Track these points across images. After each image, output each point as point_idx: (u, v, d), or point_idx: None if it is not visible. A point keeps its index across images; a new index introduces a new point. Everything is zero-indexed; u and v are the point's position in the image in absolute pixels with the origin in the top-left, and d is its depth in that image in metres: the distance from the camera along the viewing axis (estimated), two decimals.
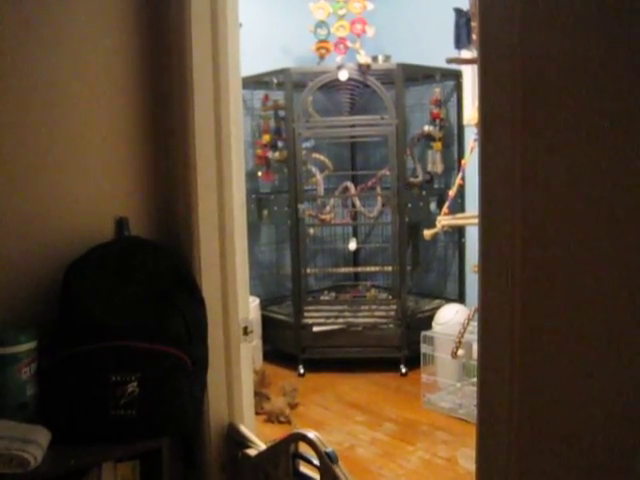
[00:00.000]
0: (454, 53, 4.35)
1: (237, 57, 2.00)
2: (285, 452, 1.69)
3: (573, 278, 0.97)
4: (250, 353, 2.09)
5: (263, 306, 4.63)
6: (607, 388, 0.94)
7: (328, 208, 4.65)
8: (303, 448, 1.70)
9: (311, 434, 1.61)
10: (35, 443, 1.52)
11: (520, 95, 1.00)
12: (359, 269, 5.09)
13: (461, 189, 4.27)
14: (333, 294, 4.95)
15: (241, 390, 1.99)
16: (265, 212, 4.74)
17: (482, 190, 1.09)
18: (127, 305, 1.70)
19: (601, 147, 0.92)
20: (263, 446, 1.83)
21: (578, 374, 0.97)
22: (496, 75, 1.04)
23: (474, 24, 3.49)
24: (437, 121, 4.61)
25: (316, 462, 1.62)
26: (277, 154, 4.57)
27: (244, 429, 1.93)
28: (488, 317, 1.11)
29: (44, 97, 1.79)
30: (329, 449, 1.56)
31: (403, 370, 4.32)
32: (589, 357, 0.96)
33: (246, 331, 2.00)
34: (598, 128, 0.92)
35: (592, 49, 0.92)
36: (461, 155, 4.57)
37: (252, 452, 1.83)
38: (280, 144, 4.59)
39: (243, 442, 1.88)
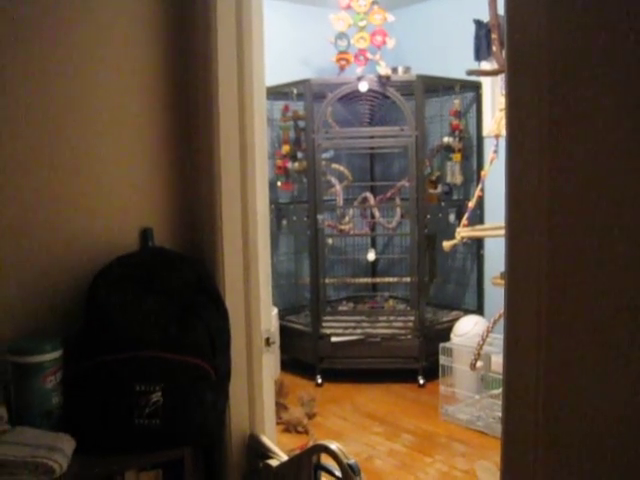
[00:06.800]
0: (474, 65, 4.35)
1: (262, 68, 2.01)
2: (307, 463, 1.69)
3: (601, 291, 0.97)
4: (272, 364, 2.09)
5: (281, 316, 4.64)
6: (638, 405, 0.94)
7: (347, 218, 4.66)
8: (325, 459, 1.70)
9: (333, 446, 1.61)
10: (60, 451, 1.53)
11: (548, 107, 1.00)
12: (377, 279, 5.09)
13: (480, 201, 4.27)
14: (351, 304, 4.96)
15: (262, 401, 2.00)
16: (284, 222, 4.77)
17: (509, 202, 1.09)
18: (151, 315, 1.71)
19: (633, 160, 0.92)
20: (285, 457, 1.83)
21: (607, 390, 0.97)
22: (523, 88, 1.04)
23: (494, 36, 3.49)
24: (456, 132, 4.62)
25: (338, 474, 1.62)
26: (296, 164, 4.59)
27: (265, 440, 1.93)
28: (514, 330, 1.11)
29: (70, 112, 1.81)
30: (351, 461, 1.56)
31: (421, 381, 4.31)
32: (619, 372, 0.95)
33: (268, 342, 2.01)
34: (629, 140, 0.92)
35: (624, 58, 0.92)
36: (480, 166, 4.57)
37: (273, 463, 1.83)
38: (299, 154, 4.61)
39: (264, 453, 1.88)
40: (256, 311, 1.95)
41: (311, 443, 2.96)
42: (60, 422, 1.69)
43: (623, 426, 0.95)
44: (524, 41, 1.04)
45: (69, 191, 1.82)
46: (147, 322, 1.71)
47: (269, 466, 1.84)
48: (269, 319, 2.05)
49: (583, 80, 0.97)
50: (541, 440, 1.06)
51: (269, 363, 2.04)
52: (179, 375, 1.68)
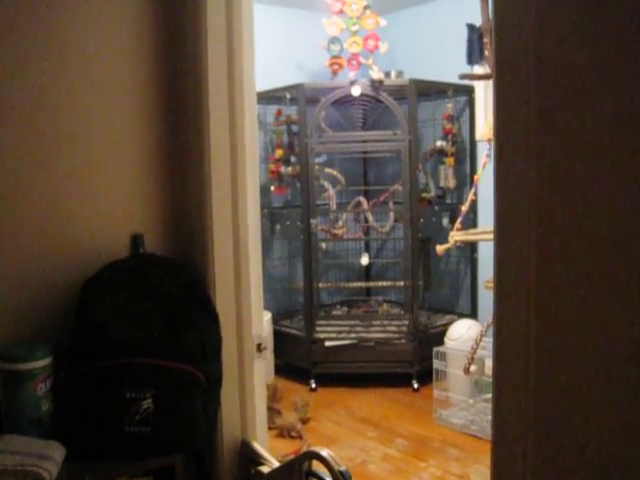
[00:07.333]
0: (466, 69, 4.37)
1: (252, 69, 2.01)
2: (298, 470, 1.69)
3: (590, 295, 0.96)
4: (264, 370, 2.09)
5: (275, 320, 4.64)
6: (625, 408, 0.94)
7: (340, 223, 4.66)
8: (316, 465, 1.70)
9: (324, 452, 1.60)
10: (50, 459, 1.52)
11: (535, 111, 1.00)
12: (371, 284, 5.09)
13: (473, 204, 4.28)
14: (345, 309, 4.96)
15: (254, 407, 1.99)
16: (277, 226, 4.76)
17: (497, 206, 1.09)
18: (142, 322, 1.71)
19: (620, 162, 0.92)
20: (276, 463, 1.82)
21: (597, 395, 0.97)
22: (510, 92, 1.04)
23: (486, 40, 3.50)
24: (449, 136, 4.63)
25: None
26: (290, 169, 4.59)
27: (257, 446, 1.92)
28: (503, 335, 1.11)
29: (60, 116, 1.80)
30: (342, 467, 1.55)
31: (415, 386, 4.31)
32: (607, 376, 0.95)
33: (259, 348, 2.00)
34: (617, 143, 0.92)
35: (612, 62, 0.92)
36: (473, 170, 4.58)
37: (265, 469, 1.82)
38: (293, 159, 4.61)
39: (256, 459, 1.88)
40: (247, 316, 1.95)
41: (305, 448, 2.95)
42: (50, 429, 1.68)
43: (613, 430, 0.95)
44: (511, 45, 1.04)
45: (59, 197, 1.81)
46: (138, 329, 1.70)
47: (260, 473, 1.83)
48: (260, 324, 2.04)
49: (571, 84, 0.97)
50: (531, 444, 1.06)
51: (261, 369, 2.04)
52: (170, 382, 1.67)
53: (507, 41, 1.05)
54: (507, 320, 1.09)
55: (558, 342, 1.01)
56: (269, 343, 4.39)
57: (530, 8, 1.01)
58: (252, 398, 1.98)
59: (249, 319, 1.96)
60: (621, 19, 0.91)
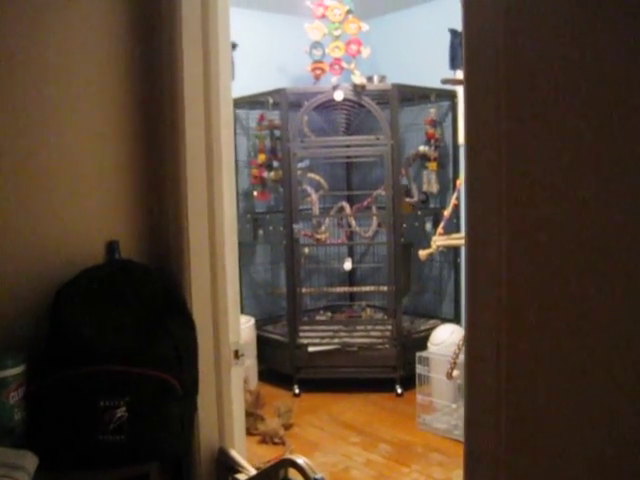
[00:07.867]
0: (449, 74, 4.37)
1: (228, 73, 2.00)
2: (274, 478, 1.67)
3: (561, 297, 0.96)
4: (241, 377, 2.07)
5: (258, 326, 4.63)
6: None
7: (323, 228, 4.66)
8: (293, 473, 1.69)
9: (300, 460, 1.59)
10: (22, 469, 1.50)
11: (505, 111, 1.00)
12: (354, 289, 5.07)
13: (456, 209, 4.27)
14: (328, 314, 4.95)
15: (232, 414, 1.97)
16: (260, 232, 4.75)
17: (468, 209, 1.09)
18: (117, 329, 1.69)
19: (591, 166, 0.92)
20: (254, 471, 1.81)
21: (568, 395, 0.97)
22: (480, 92, 1.04)
23: None
24: (432, 141, 4.63)
25: None
26: (272, 174, 4.58)
27: (234, 454, 1.91)
28: (474, 341, 1.10)
29: (35, 121, 1.79)
30: (318, 475, 1.54)
31: (399, 390, 4.31)
32: (580, 378, 0.95)
33: (237, 355, 1.99)
34: (588, 144, 0.92)
35: (581, 66, 0.92)
36: (456, 175, 4.59)
37: (242, 477, 1.81)
38: (276, 164, 4.60)
39: (233, 467, 1.86)
40: (224, 323, 1.93)
41: (287, 454, 2.93)
42: (23, 439, 1.65)
43: (588, 430, 0.95)
44: (481, 53, 1.04)
45: (33, 204, 1.79)
46: (112, 336, 1.68)
47: None
48: (237, 331, 2.03)
49: (540, 88, 0.96)
50: (503, 449, 1.05)
51: (238, 376, 2.02)
52: (145, 389, 1.65)
53: (477, 46, 1.05)
54: (479, 326, 1.09)
55: (529, 346, 1.01)
56: (251, 348, 4.37)
57: (499, 13, 1.00)
58: (230, 405, 1.97)
59: (226, 325, 1.95)
60: (590, 23, 0.91)
